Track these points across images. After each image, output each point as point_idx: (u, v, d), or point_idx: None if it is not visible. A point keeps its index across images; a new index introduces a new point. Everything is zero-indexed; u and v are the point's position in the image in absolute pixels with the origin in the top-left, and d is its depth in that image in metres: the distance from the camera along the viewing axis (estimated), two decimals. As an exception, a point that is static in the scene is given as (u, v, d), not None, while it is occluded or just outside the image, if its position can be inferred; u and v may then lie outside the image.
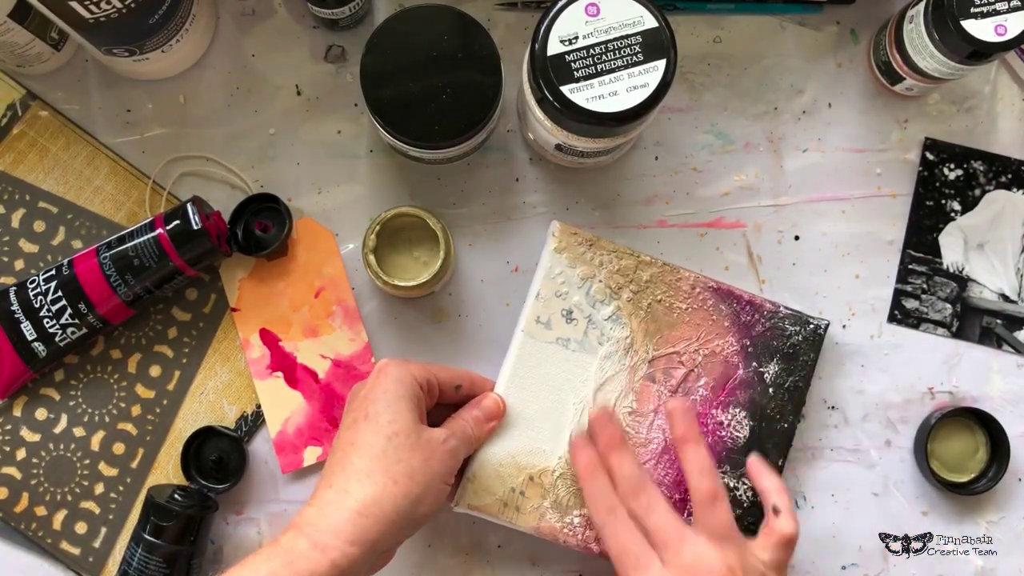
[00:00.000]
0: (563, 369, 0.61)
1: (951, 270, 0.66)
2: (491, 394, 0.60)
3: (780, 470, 0.62)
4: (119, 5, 0.54)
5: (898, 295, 0.66)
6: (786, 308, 0.63)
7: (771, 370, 0.62)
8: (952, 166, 0.66)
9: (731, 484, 0.61)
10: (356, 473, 0.51)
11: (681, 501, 0.60)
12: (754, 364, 0.62)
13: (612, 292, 0.61)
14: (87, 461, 0.63)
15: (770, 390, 0.62)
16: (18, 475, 0.63)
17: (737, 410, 0.62)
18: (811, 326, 0.62)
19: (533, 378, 0.61)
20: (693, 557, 0.51)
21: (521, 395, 0.60)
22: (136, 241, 0.59)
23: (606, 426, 0.57)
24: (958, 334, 0.66)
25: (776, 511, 0.54)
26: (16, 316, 0.60)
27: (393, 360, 0.55)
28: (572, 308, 0.61)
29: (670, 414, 0.57)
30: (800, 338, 0.62)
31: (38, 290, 0.60)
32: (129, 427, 0.64)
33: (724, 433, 0.61)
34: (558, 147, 0.59)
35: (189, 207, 0.59)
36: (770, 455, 0.61)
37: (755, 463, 0.57)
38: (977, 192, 0.66)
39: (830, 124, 0.66)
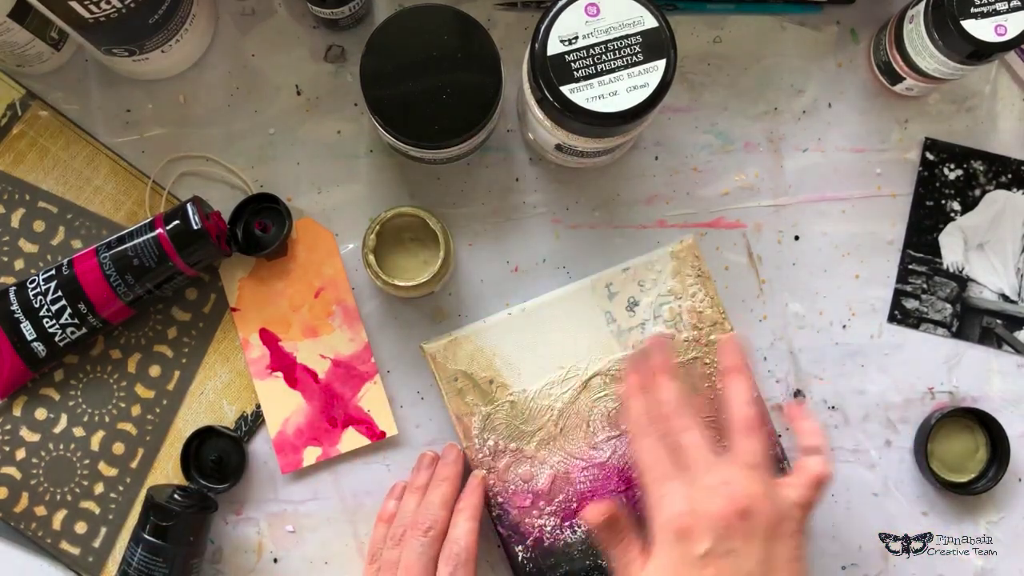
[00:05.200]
0: (588, 335, 0.62)
1: (951, 270, 0.66)
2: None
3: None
4: (119, 5, 0.54)
5: (898, 295, 0.66)
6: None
7: None
8: (952, 166, 0.66)
9: None
10: None
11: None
12: None
13: (677, 323, 0.63)
14: (87, 461, 0.63)
15: None
16: (18, 475, 0.63)
17: None
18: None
19: (564, 319, 0.62)
20: (722, 480, 0.51)
21: (544, 322, 0.62)
22: (136, 241, 0.59)
23: (662, 349, 0.59)
24: (958, 334, 0.66)
25: (810, 452, 0.54)
26: (16, 316, 0.60)
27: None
28: (640, 302, 0.63)
29: (721, 346, 0.59)
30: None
31: (38, 290, 0.60)
32: (129, 427, 0.64)
33: None
34: (558, 147, 0.59)
35: (189, 207, 0.59)
36: None
37: (794, 406, 0.58)
38: (977, 192, 0.66)
39: (830, 124, 0.66)
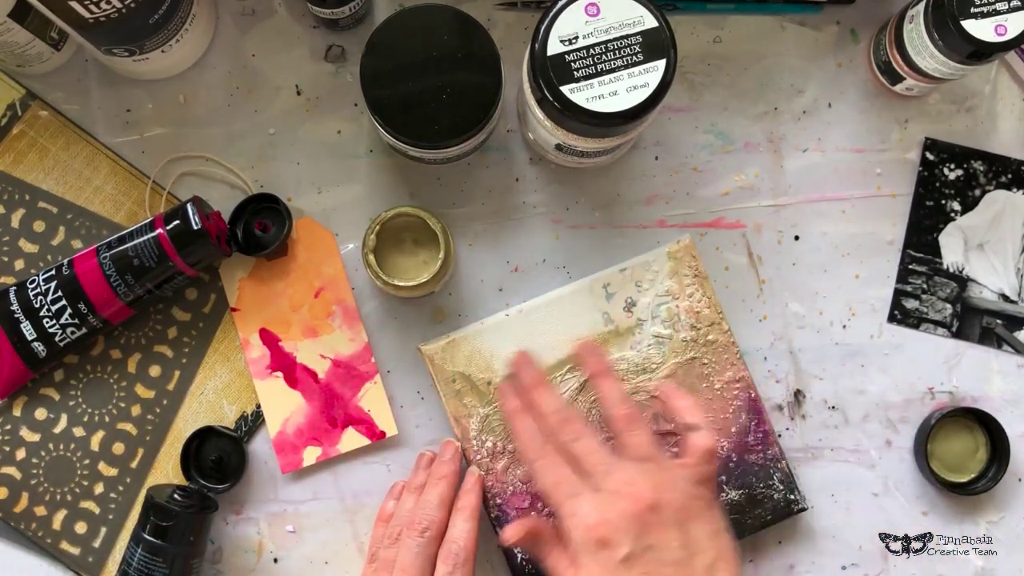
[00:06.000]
0: (586, 336, 0.62)
1: (951, 270, 0.66)
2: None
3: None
4: (119, 5, 0.54)
5: (898, 295, 0.66)
6: (787, 465, 0.62)
7: (732, 496, 0.62)
8: (952, 166, 0.66)
9: None
10: None
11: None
12: (722, 477, 0.62)
13: (675, 323, 0.62)
14: (87, 461, 0.63)
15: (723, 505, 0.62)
16: (18, 475, 0.63)
17: None
18: (792, 498, 0.62)
19: (562, 320, 0.62)
20: (622, 480, 0.52)
21: (542, 323, 0.62)
22: (136, 241, 0.59)
23: (527, 367, 0.59)
24: (958, 334, 0.66)
25: (691, 428, 0.55)
26: (16, 316, 0.60)
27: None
28: (636, 303, 0.62)
29: (580, 352, 0.60)
30: (775, 496, 0.62)
31: (38, 290, 0.60)
32: (129, 427, 0.64)
33: None
34: (558, 147, 0.59)
35: (189, 207, 0.59)
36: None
37: (665, 386, 0.59)
38: (977, 192, 0.66)
39: (830, 124, 0.66)
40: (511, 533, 0.55)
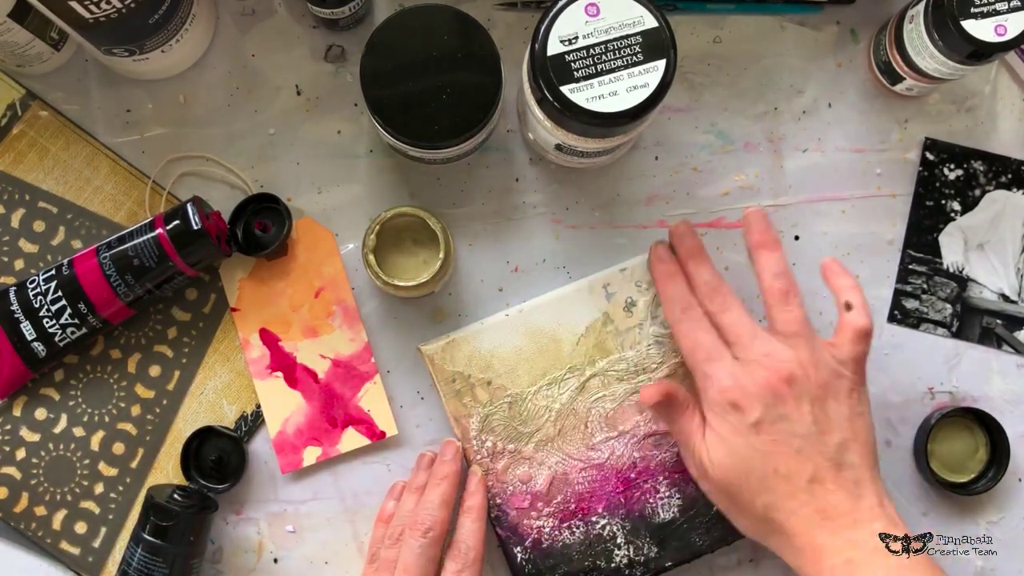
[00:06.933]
0: (586, 336, 0.62)
1: (951, 270, 0.66)
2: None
3: (667, 568, 0.61)
4: (119, 5, 0.54)
5: (898, 295, 0.66)
6: None
7: None
8: (952, 166, 0.66)
9: (645, 549, 0.61)
10: None
11: None
12: None
13: None
14: (87, 461, 0.63)
15: (713, 509, 0.60)
16: (18, 475, 0.63)
17: (675, 493, 0.61)
18: None
19: (562, 320, 0.62)
20: (764, 352, 0.53)
21: (542, 323, 0.62)
22: (136, 241, 0.59)
23: (686, 236, 0.59)
24: (958, 334, 0.66)
25: (848, 307, 0.55)
26: (16, 316, 0.60)
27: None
28: (636, 303, 0.62)
29: (747, 219, 0.58)
30: None
31: (38, 290, 0.60)
32: (129, 427, 0.64)
33: (651, 503, 0.61)
34: (558, 147, 0.59)
35: (189, 207, 0.59)
36: (698, 540, 0.61)
37: (830, 263, 0.58)
38: (977, 192, 0.66)
39: (830, 124, 0.66)
40: (649, 395, 0.56)
